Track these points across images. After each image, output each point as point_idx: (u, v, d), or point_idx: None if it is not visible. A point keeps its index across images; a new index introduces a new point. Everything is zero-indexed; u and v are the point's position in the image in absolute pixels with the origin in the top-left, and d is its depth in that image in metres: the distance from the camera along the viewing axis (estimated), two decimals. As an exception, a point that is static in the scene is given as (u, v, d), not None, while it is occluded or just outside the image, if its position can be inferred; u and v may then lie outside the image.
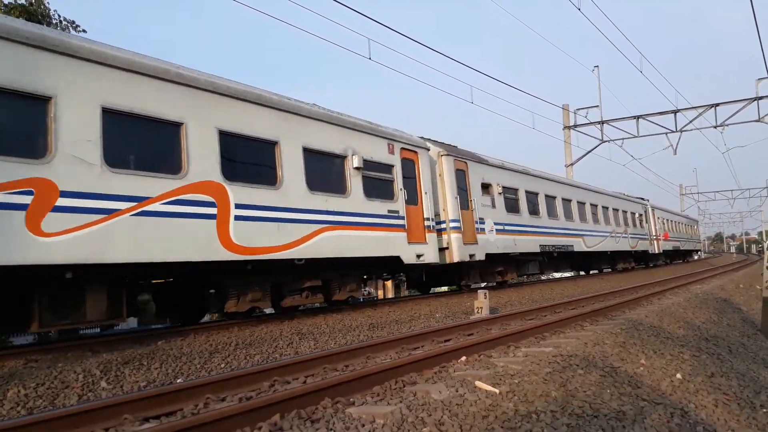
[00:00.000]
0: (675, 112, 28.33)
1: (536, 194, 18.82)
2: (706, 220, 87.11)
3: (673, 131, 28.87)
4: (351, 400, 4.49)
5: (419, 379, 5.19)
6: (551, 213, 19.66)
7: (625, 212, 28.23)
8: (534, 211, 18.45)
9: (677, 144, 30.03)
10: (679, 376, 5.49)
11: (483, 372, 5.02)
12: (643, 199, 32.78)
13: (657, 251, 33.24)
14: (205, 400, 4.76)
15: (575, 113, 30.61)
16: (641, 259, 34.05)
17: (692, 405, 4.82)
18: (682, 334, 7.94)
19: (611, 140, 30.43)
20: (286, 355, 7.06)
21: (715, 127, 28.01)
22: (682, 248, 42.87)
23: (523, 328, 7.68)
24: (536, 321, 8.77)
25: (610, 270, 28.83)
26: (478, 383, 4.52)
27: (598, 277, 25.26)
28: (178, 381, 5.77)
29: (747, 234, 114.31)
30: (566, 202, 21.10)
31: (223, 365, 6.53)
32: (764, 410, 4.97)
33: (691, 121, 28.20)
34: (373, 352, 6.73)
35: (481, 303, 10.25)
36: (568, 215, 21.07)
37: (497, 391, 4.34)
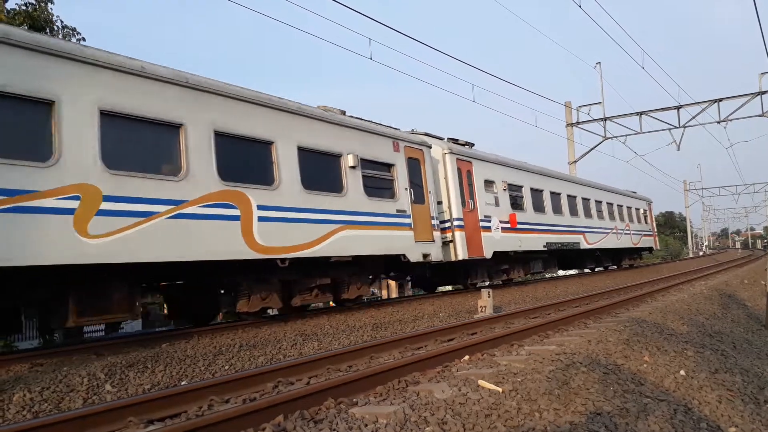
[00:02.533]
0: (678, 108, 28.22)
1: None
2: (711, 215, 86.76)
3: (676, 127, 28.77)
4: (354, 400, 4.51)
5: (422, 379, 5.20)
6: None
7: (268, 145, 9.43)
8: None
9: (681, 140, 29.95)
10: (682, 372, 5.48)
11: (486, 371, 5.02)
12: (414, 131, 14.13)
13: (456, 255, 13.60)
14: (210, 401, 4.79)
15: (578, 110, 30.54)
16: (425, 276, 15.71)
17: (696, 401, 4.81)
18: (686, 330, 7.92)
19: (614, 137, 30.33)
20: (290, 356, 7.08)
21: (718, 122, 27.91)
22: (592, 246, 21.75)
23: (526, 326, 7.68)
24: (540, 319, 8.77)
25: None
26: (481, 382, 4.53)
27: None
28: (183, 383, 5.80)
29: (752, 229, 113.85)
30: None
31: (227, 367, 6.55)
32: (768, 406, 4.96)
33: (694, 117, 28.12)
34: (377, 352, 6.75)
35: (485, 302, 10.25)
36: None
37: (500, 389, 4.35)
